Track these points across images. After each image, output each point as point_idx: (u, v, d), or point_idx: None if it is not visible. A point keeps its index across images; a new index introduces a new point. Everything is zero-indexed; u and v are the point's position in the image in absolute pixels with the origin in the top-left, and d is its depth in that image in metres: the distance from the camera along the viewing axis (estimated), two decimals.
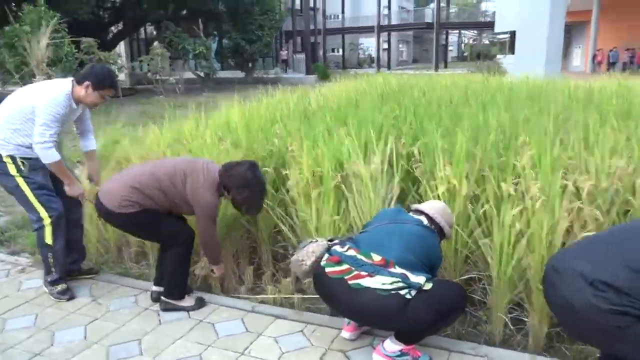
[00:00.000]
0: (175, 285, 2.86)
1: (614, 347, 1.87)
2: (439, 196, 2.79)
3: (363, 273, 2.14)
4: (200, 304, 2.92)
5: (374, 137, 3.15)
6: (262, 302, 3.01)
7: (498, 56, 30.68)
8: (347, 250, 2.26)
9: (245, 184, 2.73)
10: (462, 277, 2.80)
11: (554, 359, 2.38)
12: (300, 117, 4.52)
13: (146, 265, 3.53)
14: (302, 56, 28.85)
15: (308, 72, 25.44)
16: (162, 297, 2.88)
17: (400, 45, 52.66)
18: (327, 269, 2.24)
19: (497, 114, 3.64)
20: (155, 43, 17.92)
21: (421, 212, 2.50)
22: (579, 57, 32.15)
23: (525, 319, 2.59)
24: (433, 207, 2.53)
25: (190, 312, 2.87)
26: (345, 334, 2.53)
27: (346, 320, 2.54)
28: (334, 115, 4.16)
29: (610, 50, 27.35)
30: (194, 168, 2.75)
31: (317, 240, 2.39)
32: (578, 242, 2.14)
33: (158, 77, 16.96)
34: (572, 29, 31.36)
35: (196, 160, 2.93)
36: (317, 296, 2.96)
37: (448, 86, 6.40)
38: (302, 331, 2.66)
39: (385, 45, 43.52)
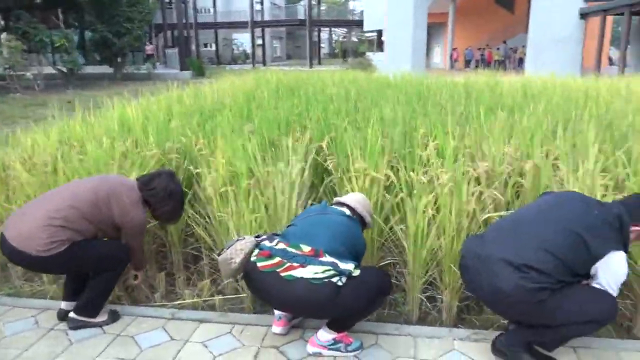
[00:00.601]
0: (93, 305, 2.64)
1: (535, 318, 2.16)
2: (353, 189, 2.91)
3: (295, 264, 2.18)
4: (114, 317, 2.72)
5: (282, 133, 3.19)
6: (182, 307, 2.90)
7: (367, 53, 32.35)
8: (276, 244, 2.27)
9: (169, 196, 2.64)
10: (380, 264, 2.96)
11: (469, 330, 2.61)
12: (197, 114, 4.40)
13: (40, 282, 3.18)
14: (174, 51, 27.67)
15: (182, 68, 24.50)
16: (71, 315, 2.63)
17: (274, 42, 53.00)
18: (259, 264, 2.23)
19: (395, 108, 3.87)
20: (4, 34, 15.99)
21: (343, 204, 2.60)
22: (439, 55, 35.07)
23: (439, 296, 2.82)
24: (354, 198, 2.63)
25: (104, 327, 2.66)
26: (276, 329, 2.54)
27: (276, 315, 2.55)
28: (236, 112, 4.11)
29: (466, 49, 30.22)
30: (113, 189, 2.55)
31: (243, 238, 2.37)
32: (492, 229, 2.36)
33: (12, 72, 15.16)
34: (432, 29, 34.04)
35: (108, 178, 2.74)
36: (239, 296, 2.94)
37: (336, 82, 6.63)
38: (230, 332, 2.61)
39: (260, 41, 43.50)
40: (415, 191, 2.72)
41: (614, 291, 2.13)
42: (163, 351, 2.46)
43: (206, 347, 2.49)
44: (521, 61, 25.26)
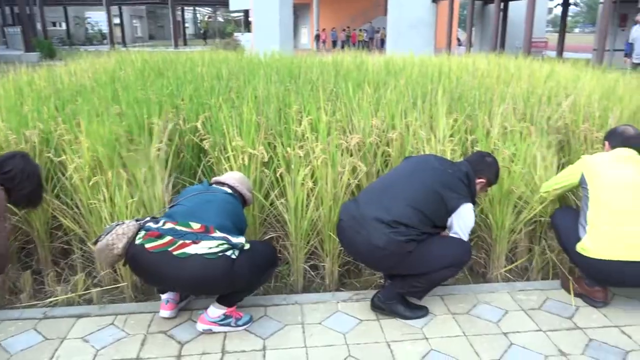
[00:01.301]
0: None
1: (406, 268, 2.40)
2: (231, 167, 2.92)
3: (187, 241, 2.15)
4: None
5: (151, 115, 3.08)
6: (54, 305, 2.70)
7: (235, 34, 31.81)
8: (163, 225, 2.22)
9: (27, 178, 2.40)
10: (264, 239, 3.02)
11: (350, 292, 2.80)
12: (54, 98, 4.03)
13: None
14: (16, 30, 24.62)
15: (28, 49, 21.92)
16: None
17: (134, 21, 49.62)
18: (148, 245, 2.16)
19: (268, 86, 3.91)
20: None
21: (223, 183, 2.60)
22: (306, 36, 35.69)
23: (321, 264, 2.97)
24: (232, 177, 2.65)
25: None
26: (164, 312, 2.49)
27: (163, 298, 2.49)
28: (99, 94, 3.84)
29: (331, 30, 31.13)
30: None
31: (123, 222, 2.27)
32: (364, 192, 2.57)
33: None
34: (298, 10, 34.40)
35: None
36: (118, 286, 2.82)
37: (207, 62, 6.48)
38: (112, 324, 2.50)
39: (117, 20, 40.47)
40: (292, 165, 2.82)
41: (465, 237, 2.47)
42: (37, 353, 2.28)
43: (87, 342, 2.36)
44: (383, 42, 26.72)
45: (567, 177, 2.75)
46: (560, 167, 3.15)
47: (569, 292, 2.73)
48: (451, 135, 3.02)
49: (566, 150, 3.38)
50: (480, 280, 3.04)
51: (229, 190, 2.56)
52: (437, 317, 2.54)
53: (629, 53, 8.68)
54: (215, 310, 2.38)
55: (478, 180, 2.55)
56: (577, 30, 63.01)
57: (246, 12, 35.19)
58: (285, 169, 2.85)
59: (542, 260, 3.03)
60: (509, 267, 3.04)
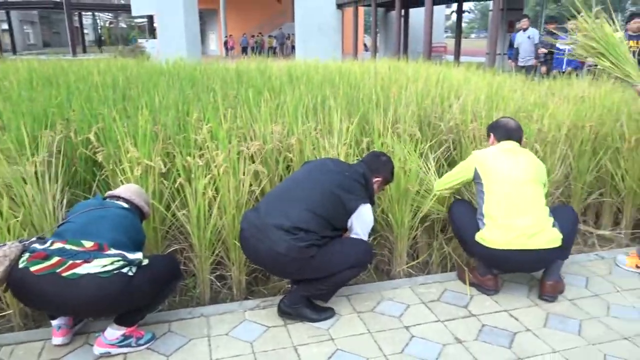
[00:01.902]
0: None
1: (309, 272, 2.42)
2: (128, 180, 2.80)
3: (78, 261, 2.02)
4: None
5: (37, 128, 2.88)
6: None
7: (140, 40, 30.60)
8: (51, 245, 2.07)
9: None
10: (167, 252, 2.92)
11: (258, 300, 2.77)
12: None
13: None
14: None
15: None
16: None
17: (25, 27, 46.01)
18: (33, 268, 2.00)
19: (167, 94, 3.80)
20: None
21: (118, 197, 2.48)
22: (215, 42, 35.13)
23: (228, 274, 2.92)
24: (127, 190, 2.54)
25: None
26: (57, 339, 2.32)
27: (55, 325, 2.32)
28: None
29: (242, 36, 30.85)
30: None
31: (5, 244, 2.09)
32: (265, 200, 2.55)
33: None
34: (205, 16, 33.83)
35: None
36: (3, 314, 2.59)
37: (103, 70, 6.16)
38: None
39: (5, 26, 37.38)
40: (193, 175, 2.75)
41: (365, 237, 2.55)
42: None
43: None
44: (294, 48, 26.95)
45: (461, 173, 2.90)
46: (452, 165, 3.35)
47: (464, 282, 2.90)
48: (349, 139, 3.10)
49: (458, 148, 3.59)
50: (385, 277, 3.15)
51: (125, 204, 2.44)
52: (343, 317, 2.59)
53: (513, 57, 9.41)
54: (113, 332, 2.26)
55: (375, 180, 2.63)
56: (473, 35, 67.48)
57: (150, 18, 34.05)
58: (185, 178, 2.77)
59: (440, 255, 3.20)
60: (411, 263, 3.18)
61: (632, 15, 7.73)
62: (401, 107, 3.60)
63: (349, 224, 2.50)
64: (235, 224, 2.78)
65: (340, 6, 21.31)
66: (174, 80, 4.90)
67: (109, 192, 2.55)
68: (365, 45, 31.74)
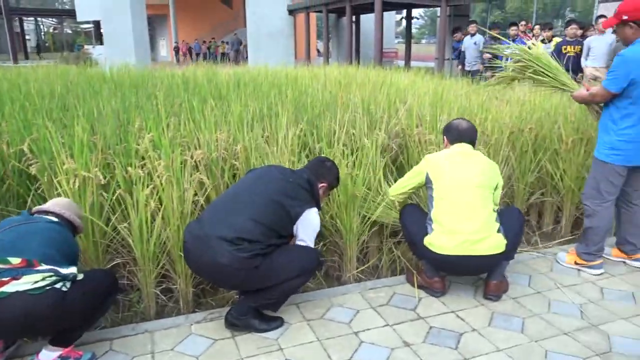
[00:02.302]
0: None
1: (255, 283, 2.38)
2: (65, 193, 2.67)
3: (5, 279, 1.90)
4: None
5: None
6: None
7: (86, 46, 29.67)
8: None
9: None
10: (108, 267, 2.80)
11: (205, 312, 2.70)
12: None
13: None
14: None
15: None
16: None
17: None
18: None
19: (108, 102, 3.67)
20: None
21: (47, 212, 2.36)
22: (165, 48, 34.45)
23: (174, 287, 2.83)
24: (56, 204, 2.41)
25: None
26: None
27: None
28: None
29: (194, 42, 30.35)
30: None
31: None
32: (208, 210, 2.50)
33: None
34: (154, 22, 33.16)
35: None
36: None
37: (40, 78, 5.90)
38: None
39: None
40: (135, 186, 2.66)
41: (312, 242, 2.53)
42: None
43: None
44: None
45: (413, 178, 2.92)
46: (401, 169, 3.39)
47: (413, 285, 2.92)
48: (296, 145, 3.08)
49: (405, 153, 3.64)
50: (335, 283, 3.14)
51: (54, 219, 2.32)
52: (293, 325, 2.56)
53: (460, 61, 9.68)
54: (49, 354, 2.14)
55: (320, 185, 2.62)
56: (424, 41, 69.12)
57: (97, 23, 33.03)
58: (126, 190, 2.68)
59: (389, 259, 3.23)
60: (361, 268, 3.18)
61: (569, 22, 8.13)
62: (347, 112, 3.61)
63: (294, 230, 2.48)
64: (180, 235, 2.70)
65: (292, 12, 21.35)
66: (118, 88, 4.74)
67: (36, 208, 2.41)
68: (318, 50, 31.91)
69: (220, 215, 2.38)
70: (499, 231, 2.67)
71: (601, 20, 7.61)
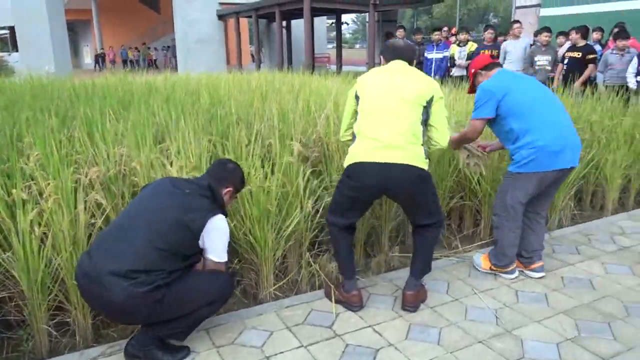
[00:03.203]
0: None
1: (161, 316, 2.16)
2: None
3: None
4: None
5: None
6: None
7: (2, 54, 27.78)
8: None
9: None
10: None
11: (104, 345, 2.46)
12: None
13: None
14: None
15: None
16: None
17: None
18: None
19: None
20: None
21: None
22: (90, 55, 32.90)
23: (69, 319, 2.57)
24: None
25: None
26: None
27: None
28: None
29: (120, 48, 29.15)
30: None
31: None
32: (97, 242, 2.23)
33: None
34: (76, 27, 31.62)
35: None
36: None
37: None
38: None
39: None
40: (18, 211, 2.38)
41: (224, 254, 2.32)
42: None
43: None
44: None
45: (348, 106, 2.81)
46: (321, 180, 3.29)
47: (330, 299, 2.82)
48: (206, 157, 2.90)
49: (324, 162, 3.54)
50: (252, 303, 2.97)
51: None
52: (200, 354, 2.37)
53: None
54: None
55: (225, 190, 2.43)
56: (357, 45, 70.28)
57: (12, 29, 31.01)
58: (8, 215, 2.39)
59: (308, 272, 3.11)
60: (279, 284, 3.04)
61: (486, 27, 8.43)
62: (263, 122, 3.46)
63: (201, 244, 2.26)
64: (73, 263, 2.45)
65: (221, 17, 20.99)
66: (16, 99, 4.35)
67: None
68: (252, 56, 31.57)
69: (110, 246, 2.12)
70: (422, 146, 2.58)
71: (516, 25, 7.95)
